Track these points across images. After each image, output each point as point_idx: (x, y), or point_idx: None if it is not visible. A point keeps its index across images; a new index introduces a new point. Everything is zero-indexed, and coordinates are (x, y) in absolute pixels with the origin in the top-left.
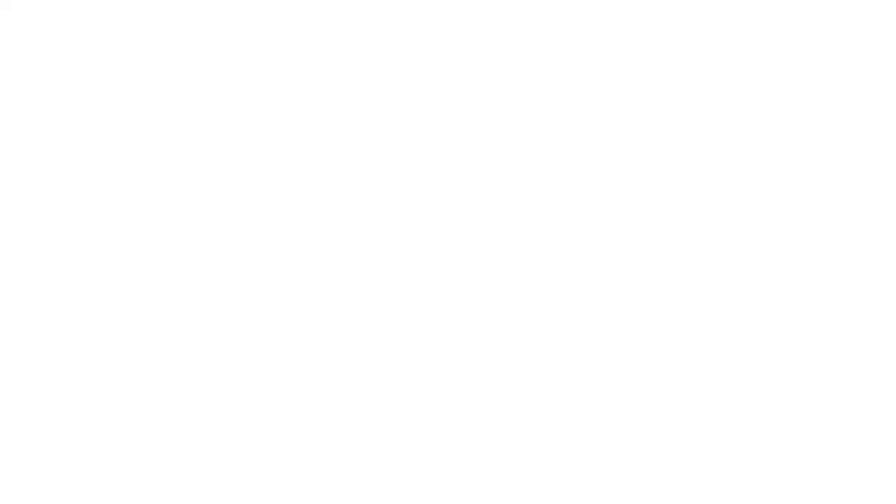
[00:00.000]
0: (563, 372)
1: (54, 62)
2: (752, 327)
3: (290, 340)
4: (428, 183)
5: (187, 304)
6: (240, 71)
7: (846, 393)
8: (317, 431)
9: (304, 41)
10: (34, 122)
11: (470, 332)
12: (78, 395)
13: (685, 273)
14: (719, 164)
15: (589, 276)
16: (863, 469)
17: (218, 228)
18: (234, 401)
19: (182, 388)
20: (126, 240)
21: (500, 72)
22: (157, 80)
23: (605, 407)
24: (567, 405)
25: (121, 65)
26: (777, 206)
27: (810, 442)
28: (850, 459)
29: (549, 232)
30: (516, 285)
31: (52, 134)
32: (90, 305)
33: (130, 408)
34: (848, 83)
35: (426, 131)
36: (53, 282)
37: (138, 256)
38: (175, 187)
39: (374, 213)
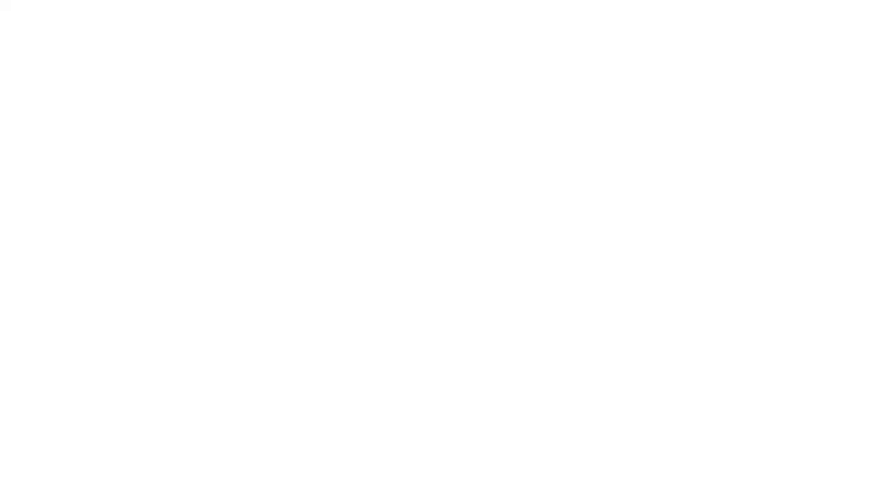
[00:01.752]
0: (563, 372)
1: (54, 62)
2: (752, 327)
3: (291, 340)
4: (428, 183)
5: (187, 303)
6: (240, 71)
7: (846, 393)
8: (317, 431)
9: (304, 41)
10: (34, 122)
11: (470, 332)
12: (78, 396)
13: (685, 273)
14: (719, 164)
15: (589, 276)
16: (863, 469)
17: (218, 228)
18: (234, 401)
19: (182, 389)
20: (126, 239)
21: (500, 72)
22: (157, 80)
23: (605, 407)
24: (567, 405)
25: (121, 65)
26: (777, 205)
27: (810, 442)
28: (850, 459)
29: (549, 232)
30: (516, 285)
31: (53, 134)
32: (90, 305)
33: (130, 408)
34: (848, 83)
35: (426, 131)
36: (53, 282)
37: (139, 256)
38: (175, 187)
39: (375, 213)
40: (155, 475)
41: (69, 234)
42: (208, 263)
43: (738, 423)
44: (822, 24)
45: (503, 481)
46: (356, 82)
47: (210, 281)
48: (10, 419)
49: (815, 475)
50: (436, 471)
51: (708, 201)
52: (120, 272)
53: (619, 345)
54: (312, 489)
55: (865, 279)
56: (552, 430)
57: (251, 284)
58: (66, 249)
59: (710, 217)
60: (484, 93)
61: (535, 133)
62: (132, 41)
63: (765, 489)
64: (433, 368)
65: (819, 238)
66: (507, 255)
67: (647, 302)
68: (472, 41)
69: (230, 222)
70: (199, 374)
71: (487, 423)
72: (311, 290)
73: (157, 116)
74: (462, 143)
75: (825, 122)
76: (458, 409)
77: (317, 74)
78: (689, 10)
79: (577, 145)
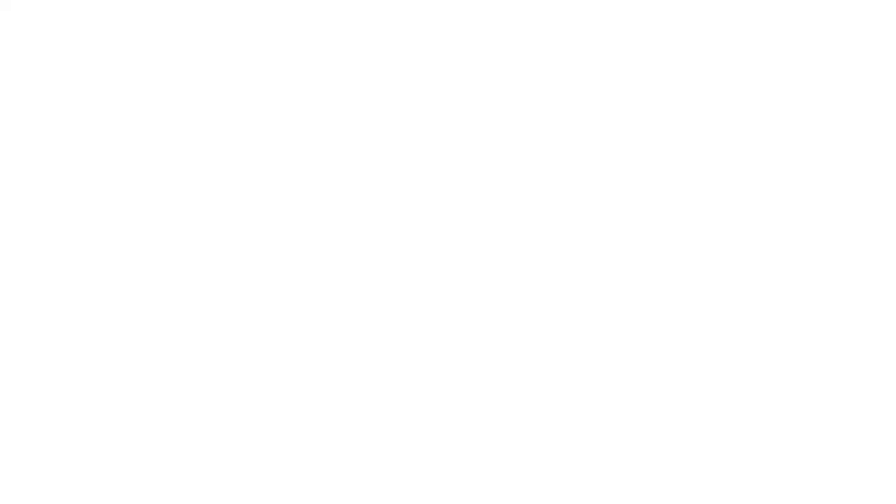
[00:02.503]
0: (563, 372)
1: (54, 62)
2: (752, 327)
3: (291, 340)
4: (428, 183)
5: (187, 304)
6: (240, 71)
7: (846, 393)
8: (317, 431)
9: (304, 41)
10: (34, 122)
11: (470, 332)
12: (78, 396)
13: (685, 273)
14: (719, 165)
15: (589, 276)
16: (863, 469)
17: (218, 228)
18: (234, 401)
19: (182, 389)
20: (126, 240)
21: (500, 72)
22: (157, 80)
23: (605, 407)
24: (567, 405)
25: (121, 65)
26: (777, 206)
27: (810, 442)
28: (850, 459)
29: (549, 232)
30: (516, 285)
31: (53, 134)
32: (90, 305)
33: (130, 408)
34: (848, 83)
35: (426, 131)
36: (53, 282)
37: (139, 256)
38: (175, 187)
39: (375, 214)
40: (155, 475)
41: (69, 234)
42: (208, 263)
43: (738, 423)
44: (822, 24)
45: (503, 481)
46: (356, 82)
47: (210, 280)
48: (10, 419)
49: (815, 475)
50: (436, 471)
51: (708, 201)
52: (120, 272)
53: (619, 345)
54: (312, 489)
55: (865, 279)
56: (552, 430)
57: (251, 284)
58: (67, 249)
59: (710, 217)
60: (484, 93)
61: (535, 133)
62: (132, 41)
63: (765, 489)
64: (433, 368)
65: (819, 238)
66: (507, 255)
67: (647, 302)
68: (473, 41)
69: (230, 222)
70: (200, 374)
71: (487, 424)
72: (312, 290)
73: (157, 116)
74: (462, 144)
75: (825, 122)
76: (458, 409)
77: (317, 74)
78: (688, 10)
79: (577, 145)
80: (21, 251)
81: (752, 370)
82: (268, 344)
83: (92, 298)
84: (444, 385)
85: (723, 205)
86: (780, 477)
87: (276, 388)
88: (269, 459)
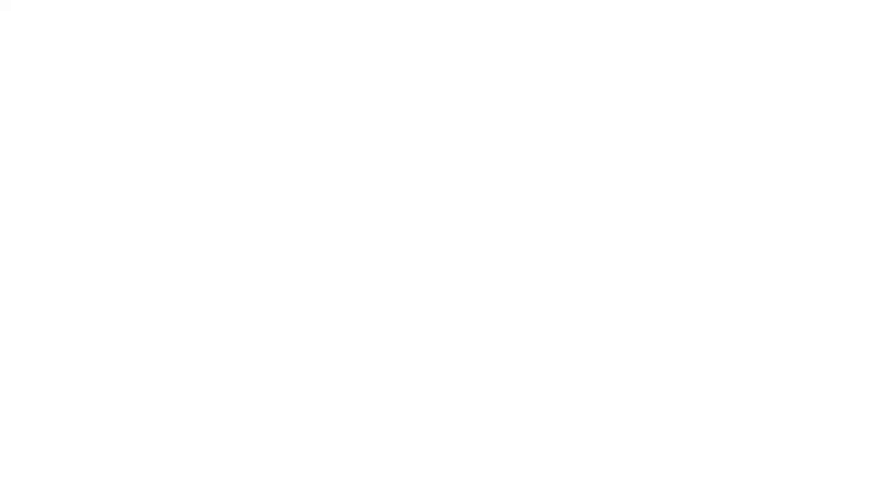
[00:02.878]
0: (563, 372)
1: (54, 62)
2: (752, 327)
3: (291, 340)
4: (428, 183)
5: (187, 304)
6: (240, 71)
7: (846, 393)
8: (317, 431)
9: (304, 41)
10: (34, 122)
11: (470, 332)
12: (78, 396)
13: (685, 273)
14: (719, 165)
15: (589, 276)
16: (863, 469)
17: (218, 228)
18: (234, 401)
19: (182, 389)
20: (126, 240)
21: (500, 72)
22: (157, 80)
23: (605, 407)
24: (567, 405)
25: (121, 65)
26: (777, 206)
27: (810, 442)
28: (850, 459)
29: (550, 232)
30: (516, 285)
31: (53, 134)
32: (90, 305)
33: (130, 408)
34: (848, 83)
35: (426, 131)
36: (53, 282)
37: (139, 256)
38: (175, 187)
39: (374, 214)
40: (155, 475)
41: (69, 234)
42: (209, 263)
43: (738, 423)
44: (822, 24)
45: (503, 481)
46: (356, 82)
47: (210, 281)
48: (10, 419)
49: (815, 475)
50: (436, 471)
51: (708, 201)
52: (120, 272)
53: (619, 345)
54: (312, 489)
55: (865, 279)
56: (552, 430)
57: (251, 284)
58: (67, 249)
59: (710, 217)
60: (484, 93)
61: (535, 133)
62: (132, 41)
63: (765, 489)
64: (433, 368)
65: (819, 238)
66: (507, 256)
67: (647, 302)
68: (473, 41)
69: (230, 222)
70: (200, 374)
71: (488, 424)
72: (312, 290)
73: (157, 116)
74: (462, 144)
75: (825, 122)
76: (458, 409)
77: (317, 74)
78: (688, 10)
79: (576, 145)
80: (21, 251)
81: (752, 370)
82: (268, 343)
83: (92, 298)
84: (443, 385)
85: (723, 204)
86: (780, 477)
87: (277, 388)
88: (269, 459)
